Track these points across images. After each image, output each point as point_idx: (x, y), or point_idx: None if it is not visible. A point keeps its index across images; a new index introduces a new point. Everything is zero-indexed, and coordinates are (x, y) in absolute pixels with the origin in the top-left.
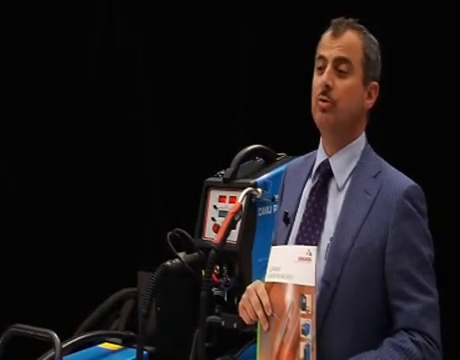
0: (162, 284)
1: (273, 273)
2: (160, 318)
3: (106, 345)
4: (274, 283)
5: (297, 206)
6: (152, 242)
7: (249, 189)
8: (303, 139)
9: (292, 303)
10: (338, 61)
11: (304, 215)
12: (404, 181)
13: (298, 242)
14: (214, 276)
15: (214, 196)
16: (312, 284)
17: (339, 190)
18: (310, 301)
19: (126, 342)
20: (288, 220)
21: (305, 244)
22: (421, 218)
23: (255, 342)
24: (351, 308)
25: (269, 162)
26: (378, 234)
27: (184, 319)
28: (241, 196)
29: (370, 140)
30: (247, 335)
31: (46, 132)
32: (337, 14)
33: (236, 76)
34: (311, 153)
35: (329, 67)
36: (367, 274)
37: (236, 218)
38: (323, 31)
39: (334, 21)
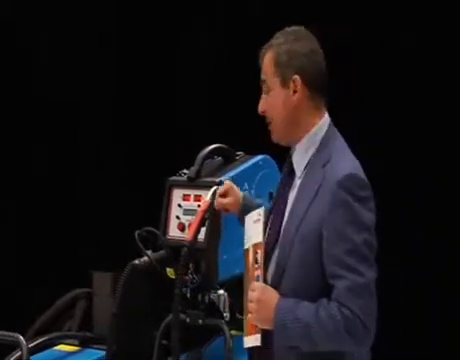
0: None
1: (245, 240)
2: (118, 318)
3: (62, 347)
4: (246, 249)
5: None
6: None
7: (216, 187)
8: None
9: (251, 261)
10: (262, 84)
11: (273, 203)
12: (342, 169)
13: (268, 228)
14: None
15: (177, 195)
16: (260, 239)
17: (298, 179)
18: (260, 255)
19: (83, 343)
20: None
21: (270, 231)
22: (357, 205)
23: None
24: (297, 289)
25: (229, 161)
26: (316, 223)
27: (142, 318)
28: (209, 194)
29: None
30: (211, 330)
31: None
32: None
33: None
34: None
35: (263, 93)
36: (309, 258)
37: (206, 216)
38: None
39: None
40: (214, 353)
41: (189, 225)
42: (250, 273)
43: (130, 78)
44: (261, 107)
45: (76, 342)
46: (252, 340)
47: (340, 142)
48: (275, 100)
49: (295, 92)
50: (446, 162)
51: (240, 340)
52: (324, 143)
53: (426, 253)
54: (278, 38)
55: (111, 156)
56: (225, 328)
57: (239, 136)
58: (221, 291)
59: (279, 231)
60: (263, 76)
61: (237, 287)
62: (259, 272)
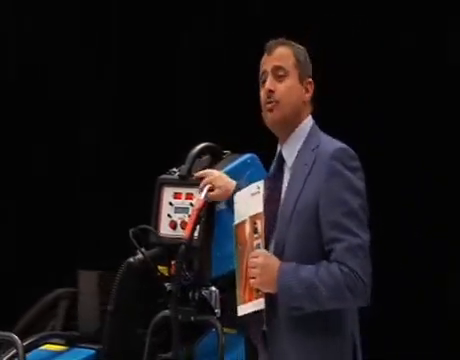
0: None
1: (237, 216)
2: (106, 316)
3: (49, 347)
4: (239, 224)
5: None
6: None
7: (210, 186)
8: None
9: (249, 232)
10: (276, 70)
11: (266, 195)
12: (332, 146)
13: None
14: (173, 271)
15: (168, 193)
16: (260, 210)
17: (289, 169)
18: (260, 225)
19: (70, 342)
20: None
21: (267, 219)
22: (349, 173)
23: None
24: (297, 261)
25: (216, 159)
26: (313, 196)
27: (131, 316)
28: (203, 192)
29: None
30: (200, 327)
31: None
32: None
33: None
34: None
35: (270, 76)
36: (307, 232)
37: (201, 214)
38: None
39: (266, 44)
40: (204, 350)
41: (181, 223)
42: (248, 243)
43: (130, 78)
44: (272, 86)
45: (62, 341)
46: (254, 305)
47: (324, 134)
48: (290, 88)
49: (307, 91)
50: (446, 162)
51: (230, 337)
52: (311, 134)
53: (426, 253)
54: (289, 42)
55: (111, 156)
56: (217, 324)
57: (239, 136)
58: (213, 288)
59: (275, 217)
60: (280, 63)
61: (228, 283)
62: (260, 241)
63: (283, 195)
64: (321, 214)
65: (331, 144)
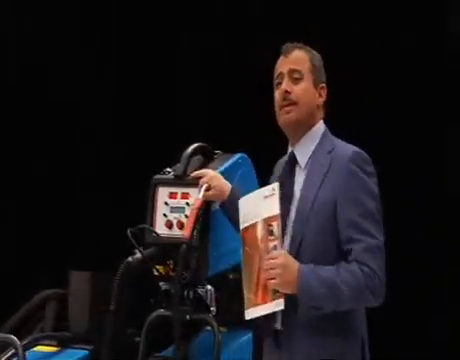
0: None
1: (244, 219)
2: (107, 316)
3: (41, 348)
4: (247, 227)
5: None
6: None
7: (207, 185)
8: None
9: (262, 235)
10: (292, 72)
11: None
12: (350, 149)
13: None
14: (170, 270)
15: (164, 193)
16: (277, 212)
17: (302, 169)
18: (276, 227)
19: (62, 343)
20: None
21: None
22: (365, 177)
23: (205, 332)
24: (316, 258)
25: (209, 159)
26: (331, 194)
27: (126, 315)
28: (201, 192)
29: None
30: (197, 326)
31: None
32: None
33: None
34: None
35: (286, 78)
36: (324, 229)
37: (200, 213)
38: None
39: (283, 47)
40: (197, 348)
41: (178, 222)
42: (262, 246)
43: (130, 78)
44: (289, 88)
45: (54, 342)
46: (272, 306)
47: (337, 138)
48: (306, 91)
49: (320, 96)
50: (446, 162)
51: (224, 336)
52: (324, 137)
53: (426, 253)
54: (305, 47)
55: (111, 156)
56: (213, 322)
57: (239, 136)
58: (209, 286)
59: (287, 216)
60: (296, 66)
61: (221, 283)
62: (277, 242)
63: (299, 194)
64: (338, 212)
65: (347, 148)
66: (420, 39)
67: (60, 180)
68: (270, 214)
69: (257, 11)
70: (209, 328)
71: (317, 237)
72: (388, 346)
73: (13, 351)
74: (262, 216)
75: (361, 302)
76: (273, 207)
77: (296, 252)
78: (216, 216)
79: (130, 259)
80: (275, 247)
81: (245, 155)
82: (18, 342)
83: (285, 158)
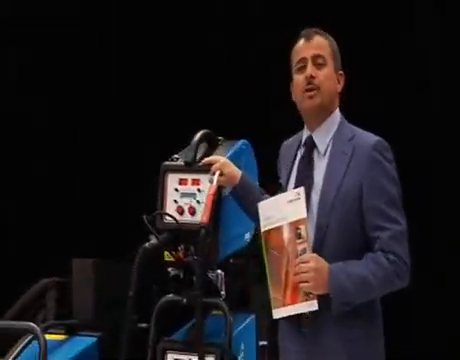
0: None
1: (267, 222)
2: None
3: (48, 336)
4: (270, 230)
5: (289, 175)
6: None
7: (220, 171)
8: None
9: (290, 238)
10: (316, 57)
11: (297, 179)
12: (371, 138)
13: None
14: (182, 255)
15: (173, 179)
16: (304, 215)
17: (322, 155)
18: (304, 229)
19: (70, 331)
20: (282, 189)
21: None
22: (388, 164)
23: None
24: (339, 247)
25: (213, 145)
26: (356, 183)
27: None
28: (215, 178)
29: None
30: (206, 310)
31: None
32: None
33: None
34: (298, 133)
35: (310, 63)
36: (350, 217)
37: (215, 199)
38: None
39: (303, 32)
40: (207, 331)
41: (189, 208)
42: (290, 249)
43: (130, 78)
44: (313, 73)
45: (61, 330)
46: (304, 307)
47: (353, 126)
48: (329, 77)
49: (339, 83)
50: (446, 162)
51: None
52: (342, 124)
53: (426, 253)
54: (324, 33)
55: (110, 156)
56: (224, 305)
57: (238, 136)
58: (219, 270)
59: (307, 201)
60: (319, 51)
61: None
62: (305, 245)
63: (321, 181)
64: (364, 199)
65: (369, 136)
66: (419, 39)
67: (60, 180)
68: (297, 218)
69: (257, 11)
70: (215, 312)
71: (341, 226)
72: (388, 346)
73: (29, 338)
74: (287, 219)
75: (390, 289)
76: (300, 211)
77: (321, 241)
78: (226, 202)
79: (147, 245)
80: (304, 250)
81: (247, 141)
82: (39, 329)
83: (292, 141)
